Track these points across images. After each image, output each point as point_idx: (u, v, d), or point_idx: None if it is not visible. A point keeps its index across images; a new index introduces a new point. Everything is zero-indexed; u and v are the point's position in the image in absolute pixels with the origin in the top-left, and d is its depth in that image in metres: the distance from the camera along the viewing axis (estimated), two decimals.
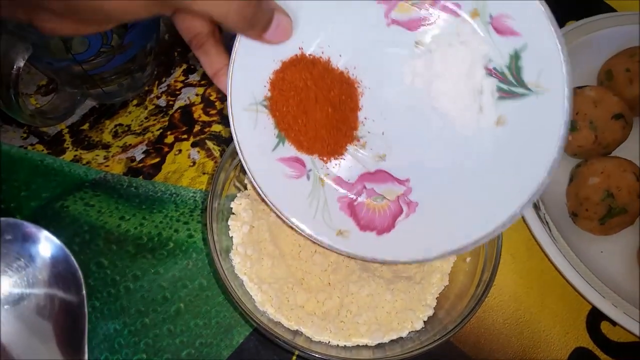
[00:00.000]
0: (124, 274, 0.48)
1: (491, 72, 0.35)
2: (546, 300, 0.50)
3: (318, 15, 0.37)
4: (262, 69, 0.38)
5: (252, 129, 0.40)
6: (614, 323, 0.47)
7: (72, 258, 0.40)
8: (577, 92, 0.53)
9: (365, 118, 0.40)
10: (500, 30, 0.34)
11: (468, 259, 0.45)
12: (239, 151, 0.40)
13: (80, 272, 0.40)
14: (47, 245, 0.41)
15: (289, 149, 0.41)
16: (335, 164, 0.42)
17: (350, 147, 0.41)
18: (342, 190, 0.42)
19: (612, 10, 0.69)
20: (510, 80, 0.35)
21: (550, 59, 0.32)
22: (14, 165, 0.54)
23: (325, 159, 0.42)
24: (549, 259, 0.48)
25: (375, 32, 0.37)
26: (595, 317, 0.49)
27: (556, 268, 0.48)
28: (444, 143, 0.39)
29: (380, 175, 0.42)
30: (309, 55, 0.38)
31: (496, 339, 0.47)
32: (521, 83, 0.34)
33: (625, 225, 0.50)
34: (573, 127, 0.52)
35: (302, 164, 0.42)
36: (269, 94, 0.39)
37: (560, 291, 0.50)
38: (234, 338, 0.46)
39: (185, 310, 0.46)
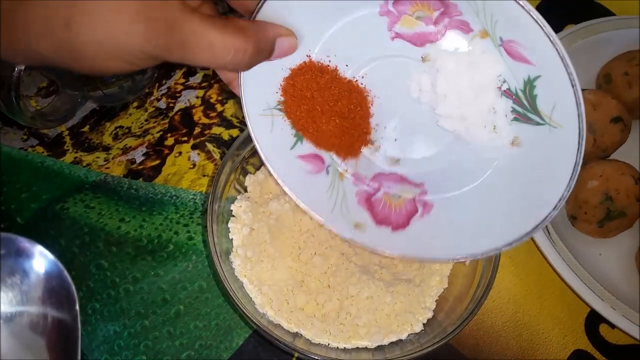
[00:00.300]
0: (124, 276, 0.48)
1: (505, 92, 0.34)
2: (545, 303, 0.50)
3: (324, 26, 0.36)
4: (272, 76, 0.38)
5: (269, 131, 0.41)
6: (612, 325, 0.47)
7: (66, 273, 0.40)
8: None
9: (377, 125, 0.41)
10: (512, 55, 0.32)
11: (467, 262, 0.45)
12: (260, 153, 0.41)
13: (73, 288, 0.39)
14: (41, 260, 0.40)
15: (307, 147, 0.42)
16: (352, 162, 0.43)
17: (365, 150, 0.42)
18: (360, 185, 0.43)
19: (611, 13, 0.69)
20: (525, 105, 0.34)
21: (564, 97, 0.30)
22: (14, 167, 0.54)
23: (342, 157, 0.43)
24: (548, 262, 0.48)
25: (379, 45, 0.36)
26: (593, 320, 0.49)
27: (555, 271, 0.48)
28: (457, 157, 0.39)
29: (395, 177, 0.42)
30: (318, 62, 0.38)
31: (495, 342, 0.48)
32: (536, 111, 0.33)
33: (623, 228, 0.50)
34: None
35: (321, 160, 0.43)
36: (282, 99, 0.39)
37: (559, 294, 0.50)
38: (233, 340, 0.46)
39: (185, 312, 0.47)
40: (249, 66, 0.33)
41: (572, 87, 0.29)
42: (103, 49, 0.27)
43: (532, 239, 0.49)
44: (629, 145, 0.54)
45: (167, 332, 0.46)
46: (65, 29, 0.26)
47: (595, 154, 0.53)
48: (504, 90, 0.34)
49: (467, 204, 0.40)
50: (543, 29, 0.28)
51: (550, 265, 0.48)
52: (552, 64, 0.29)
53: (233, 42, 0.30)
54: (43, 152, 0.55)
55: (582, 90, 0.53)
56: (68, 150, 0.55)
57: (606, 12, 0.70)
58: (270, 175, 0.42)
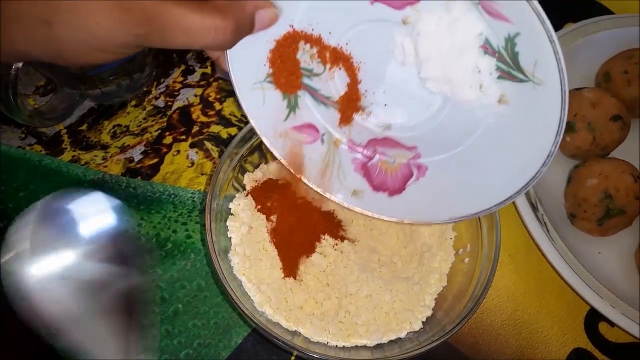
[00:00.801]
0: None
1: (487, 50, 0.34)
2: (544, 301, 0.50)
3: None
4: (258, 48, 0.38)
5: (261, 105, 0.41)
6: (612, 324, 0.47)
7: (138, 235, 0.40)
8: (575, 93, 0.53)
9: (366, 90, 0.40)
10: (490, 13, 0.32)
11: (466, 260, 0.45)
12: (254, 126, 0.42)
13: (151, 245, 0.39)
14: (113, 218, 0.40)
15: (300, 117, 0.42)
16: (346, 130, 0.43)
17: (357, 116, 0.42)
18: (355, 152, 0.44)
19: (610, 12, 0.69)
20: (508, 62, 0.33)
21: (544, 53, 0.31)
22: (12, 166, 0.54)
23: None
24: (547, 260, 0.48)
25: (359, 10, 0.36)
26: (593, 318, 0.49)
27: (554, 269, 0.48)
28: (447, 118, 0.39)
29: (389, 141, 0.42)
30: (301, 32, 0.37)
31: (494, 340, 0.47)
32: (519, 68, 0.33)
33: (623, 226, 0.50)
34: (571, 128, 0.52)
35: (316, 129, 0.43)
36: (270, 71, 0.39)
37: (558, 292, 0.50)
38: (232, 338, 0.46)
39: (184, 311, 0.46)
40: (232, 43, 0.33)
41: (551, 42, 0.30)
42: (85, 44, 0.28)
43: (532, 238, 0.49)
44: (628, 144, 0.54)
45: (166, 330, 0.45)
46: (45, 26, 0.27)
47: (595, 152, 0.53)
48: (487, 47, 0.34)
49: (460, 165, 0.40)
50: None
51: (550, 263, 0.48)
52: (529, 20, 0.29)
53: (212, 22, 0.30)
54: (41, 151, 0.55)
55: (582, 88, 0.53)
56: (66, 148, 0.55)
57: (605, 11, 0.70)
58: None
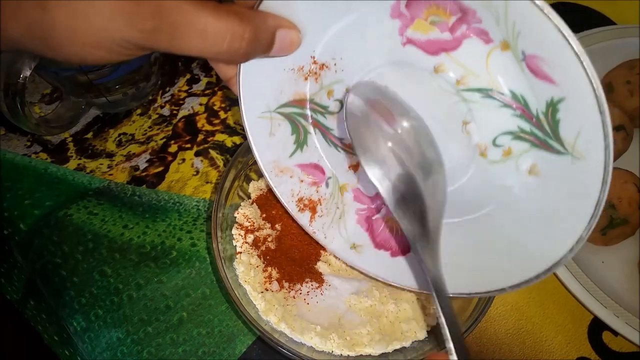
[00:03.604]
0: (127, 282, 0.48)
1: (525, 114, 0.30)
2: (548, 310, 0.50)
3: (328, 22, 0.33)
4: (274, 76, 0.36)
5: (267, 136, 0.39)
6: (615, 333, 0.47)
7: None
8: None
9: None
10: (535, 72, 0.28)
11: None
12: (255, 156, 0.39)
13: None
14: None
15: (307, 156, 0.40)
16: (355, 177, 0.40)
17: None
18: (360, 203, 0.41)
19: (611, 22, 0.70)
20: (546, 130, 0.30)
21: (589, 124, 0.27)
22: (18, 174, 0.54)
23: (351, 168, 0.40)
24: None
25: (389, 50, 0.33)
26: (596, 327, 0.49)
27: (558, 278, 0.48)
28: (469, 180, 0.35)
29: None
30: (322, 64, 0.35)
31: (498, 349, 0.47)
32: (557, 138, 0.29)
33: (626, 236, 0.51)
34: None
35: (322, 171, 0.41)
36: (283, 102, 0.37)
37: (562, 301, 0.50)
38: (236, 347, 0.46)
39: (188, 319, 0.46)
40: (245, 57, 0.29)
41: (600, 114, 0.26)
42: (81, 34, 0.24)
43: None
44: (631, 154, 0.54)
45: (171, 338, 0.45)
46: (38, 8, 0.24)
47: None
48: (525, 111, 0.30)
49: (475, 233, 0.36)
50: (571, 46, 0.25)
51: (553, 272, 0.48)
52: (579, 85, 0.26)
53: (229, 27, 0.27)
54: (46, 159, 0.55)
55: None
56: (71, 156, 0.56)
57: (607, 21, 0.70)
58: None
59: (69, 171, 0.55)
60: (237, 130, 0.58)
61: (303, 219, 0.43)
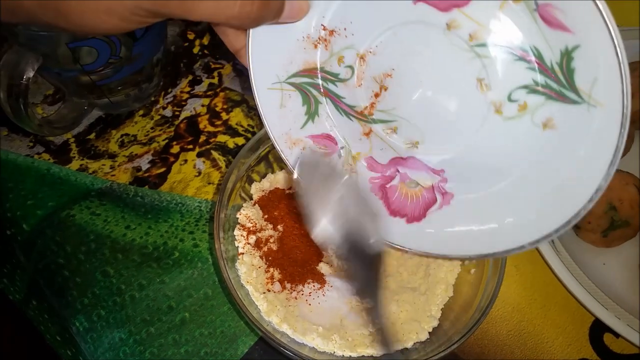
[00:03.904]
0: (130, 282, 0.48)
1: (539, 66, 0.30)
2: (549, 312, 0.50)
3: None
4: (284, 45, 0.36)
5: (277, 107, 0.39)
6: (616, 335, 0.48)
7: None
8: None
9: (394, 106, 0.37)
10: (548, 22, 0.28)
11: (472, 271, 0.45)
12: (267, 128, 0.39)
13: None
14: None
15: (320, 126, 0.40)
16: (368, 144, 0.40)
17: (382, 131, 0.39)
18: (374, 171, 0.40)
19: None
20: (561, 80, 0.29)
21: (607, 70, 0.26)
22: (20, 174, 0.54)
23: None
24: (552, 271, 0.48)
25: (400, 9, 0.32)
26: (598, 329, 0.49)
27: (559, 280, 0.48)
28: (483, 141, 0.35)
29: (413, 162, 0.39)
30: (332, 30, 0.34)
31: (500, 350, 0.48)
32: (573, 87, 0.29)
33: (627, 237, 0.51)
34: None
35: (334, 141, 0.41)
36: (294, 71, 0.36)
37: (563, 303, 0.50)
38: (238, 348, 0.46)
39: (190, 320, 0.47)
40: (255, 22, 0.30)
41: (617, 57, 0.25)
42: (94, 0, 0.25)
43: (537, 249, 0.49)
44: (632, 156, 0.54)
45: (173, 339, 0.46)
46: None
47: None
48: (539, 63, 0.30)
49: (492, 195, 0.36)
50: None
51: (555, 274, 0.48)
52: (595, 30, 0.25)
53: None
54: (49, 159, 0.55)
55: None
56: (74, 157, 0.56)
57: None
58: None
59: (72, 172, 0.55)
60: (239, 131, 0.58)
61: None
